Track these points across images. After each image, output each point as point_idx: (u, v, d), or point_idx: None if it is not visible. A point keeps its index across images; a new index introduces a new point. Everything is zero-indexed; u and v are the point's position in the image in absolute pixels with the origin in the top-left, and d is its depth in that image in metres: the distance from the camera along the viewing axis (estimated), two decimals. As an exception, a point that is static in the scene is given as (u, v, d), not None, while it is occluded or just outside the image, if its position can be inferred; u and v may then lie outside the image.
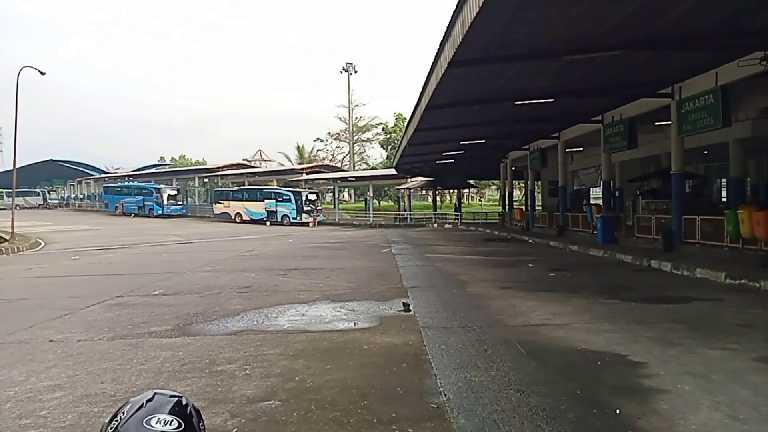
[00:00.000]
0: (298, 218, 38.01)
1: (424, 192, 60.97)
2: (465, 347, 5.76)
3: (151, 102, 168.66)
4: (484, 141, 24.75)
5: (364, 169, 64.14)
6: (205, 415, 1.34)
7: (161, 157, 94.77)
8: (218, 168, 53.13)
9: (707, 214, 14.46)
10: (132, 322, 7.22)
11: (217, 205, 43.29)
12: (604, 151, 19.48)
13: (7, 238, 22.60)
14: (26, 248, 21.00)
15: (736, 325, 6.59)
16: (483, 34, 9.32)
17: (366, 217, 44.74)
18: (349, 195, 74.21)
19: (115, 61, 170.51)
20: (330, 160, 66.32)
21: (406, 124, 24.77)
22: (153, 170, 64.75)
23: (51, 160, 65.13)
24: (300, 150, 68.85)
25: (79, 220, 41.29)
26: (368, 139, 70.71)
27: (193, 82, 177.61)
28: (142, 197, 46.98)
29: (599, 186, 24.31)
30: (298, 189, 42.13)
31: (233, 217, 41.29)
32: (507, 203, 34.34)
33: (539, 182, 33.92)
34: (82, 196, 67.30)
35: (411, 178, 42.29)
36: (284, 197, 39.02)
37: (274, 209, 39.02)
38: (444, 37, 10.34)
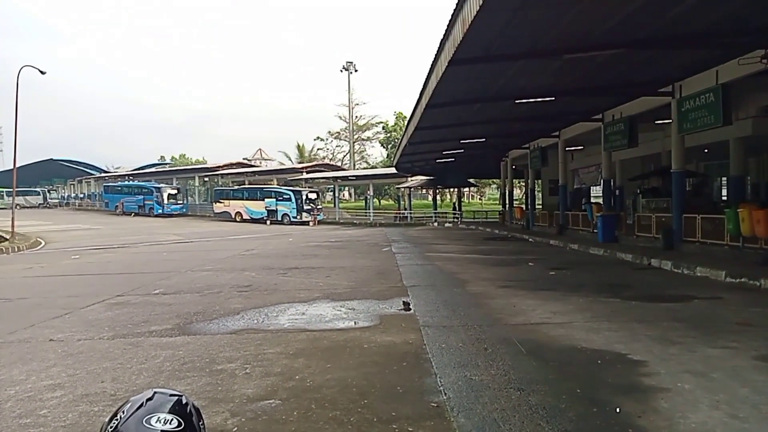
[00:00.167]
0: (299, 217, 38.02)
1: (424, 191, 60.94)
2: (465, 346, 5.76)
3: (151, 102, 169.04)
4: (484, 140, 24.74)
5: (364, 168, 64.15)
6: (205, 414, 1.34)
7: (161, 157, 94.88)
8: (218, 167, 53.17)
9: (708, 212, 14.44)
10: (132, 321, 7.23)
11: (218, 204, 43.30)
12: (605, 149, 19.48)
13: (8, 237, 22.62)
14: (26, 247, 21.02)
15: (736, 324, 6.58)
16: (483, 32, 9.31)
17: (366, 216, 44.75)
18: (350, 194, 74.19)
19: (115, 61, 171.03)
20: (330, 159, 66.37)
21: (406, 122, 24.76)
22: (153, 169, 64.81)
23: (51, 159, 65.17)
24: (300, 149, 68.89)
25: (79, 220, 41.31)
26: (368, 138, 70.79)
27: (193, 82, 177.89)
28: (142, 196, 47.01)
29: (600, 184, 24.30)
30: (298, 188, 42.14)
31: (233, 216, 41.30)
32: (507, 202, 34.34)
33: (539, 181, 33.89)
34: (82, 196, 67.36)
35: (411, 177, 42.30)
36: (284, 196, 39.03)
37: (275, 208, 39.04)
38: (444, 35, 10.33)
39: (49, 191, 70.65)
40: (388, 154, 60.55)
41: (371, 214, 44.68)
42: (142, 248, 20.22)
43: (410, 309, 7.75)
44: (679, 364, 4.99)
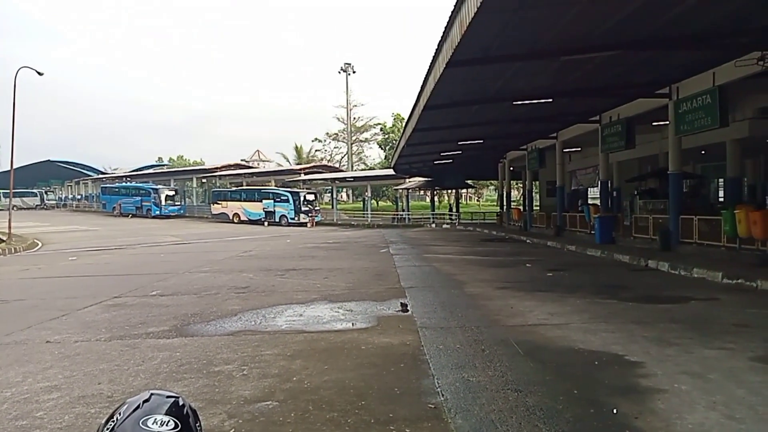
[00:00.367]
0: (296, 218, 37.99)
1: (422, 192, 60.98)
2: (462, 347, 5.76)
3: (150, 102, 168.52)
4: (482, 141, 24.78)
5: (362, 170, 64.17)
6: (202, 415, 1.34)
7: (159, 158, 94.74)
8: (216, 168, 53.11)
9: (704, 214, 14.49)
10: (129, 323, 7.21)
11: (215, 205, 43.26)
12: (602, 151, 19.52)
13: (5, 238, 22.54)
14: (23, 249, 20.96)
15: (732, 325, 6.60)
16: (481, 34, 9.33)
17: (364, 217, 44.74)
18: (347, 195, 74.23)
19: (114, 61, 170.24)
20: (328, 161, 66.37)
21: (404, 124, 24.78)
22: (151, 170, 64.73)
23: (48, 160, 65.00)
24: (298, 150, 68.88)
25: (76, 221, 41.23)
26: (366, 139, 70.85)
27: (193, 82, 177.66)
28: (139, 198, 46.91)
29: (597, 186, 24.34)
30: (296, 189, 42.12)
31: (231, 217, 41.26)
32: (505, 203, 34.38)
33: (537, 182, 34.00)
34: (79, 197, 67.19)
35: (409, 178, 42.31)
36: (282, 197, 39.00)
37: (272, 210, 39.01)
38: (442, 37, 10.34)
39: (46, 192, 70.44)
40: (386, 156, 60.60)
41: (369, 216, 44.66)
42: (139, 249, 20.18)
43: (408, 310, 7.75)
44: (676, 365, 5.00)
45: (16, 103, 22.74)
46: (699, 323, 6.73)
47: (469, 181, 47.89)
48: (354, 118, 67.51)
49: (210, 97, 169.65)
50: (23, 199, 63.62)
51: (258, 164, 65.59)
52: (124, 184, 53.88)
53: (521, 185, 39.02)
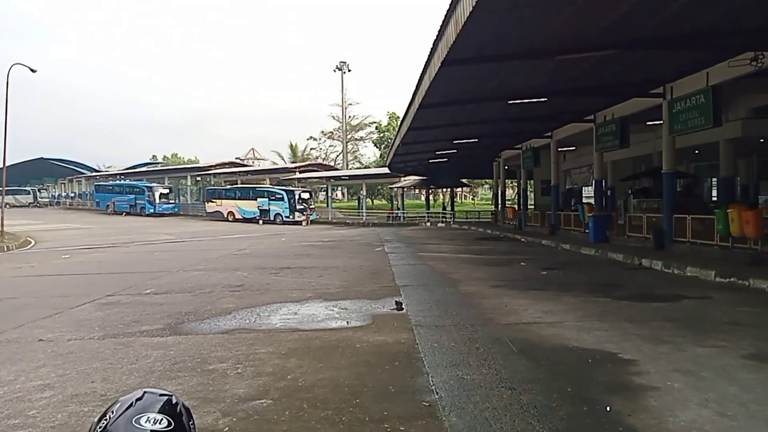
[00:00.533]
0: (291, 217, 37.94)
1: (417, 191, 61.03)
2: (457, 345, 5.78)
3: (149, 102, 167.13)
4: (477, 140, 24.80)
5: (357, 168, 64.12)
6: (196, 414, 1.34)
7: (153, 156, 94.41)
8: (211, 166, 52.97)
9: (698, 213, 14.57)
10: (123, 321, 7.18)
11: (210, 203, 43.14)
12: (597, 150, 19.58)
13: (-3, 236, 22.40)
14: (16, 247, 20.84)
15: (725, 323, 6.65)
16: (476, 33, 9.33)
17: (359, 215, 44.74)
18: (342, 194, 74.16)
19: (114, 61, 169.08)
20: (323, 159, 66.29)
21: (399, 122, 24.79)
22: (145, 169, 64.48)
23: (42, 158, 64.70)
24: (293, 149, 68.72)
25: (69, 219, 41.01)
26: (361, 137, 70.82)
27: (192, 82, 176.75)
28: (133, 196, 46.72)
29: (591, 185, 24.43)
30: (291, 188, 42.07)
31: (226, 215, 41.16)
32: (500, 202, 34.45)
33: (532, 181, 33.99)
34: (73, 195, 66.85)
35: (404, 177, 42.32)
36: (277, 196, 38.94)
37: (267, 208, 38.94)
38: (437, 36, 10.34)
39: (39, 190, 70.07)
40: (381, 154, 60.63)
41: (364, 214, 44.67)
42: (133, 248, 20.10)
43: (402, 309, 7.76)
44: (669, 363, 5.03)
45: (8, 100, 22.62)
46: (692, 321, 6.77)
47: (464, 180, 47.96)
48: (349, 117, 67.54)
49: (209, 96, 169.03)
50: (16, 196, 63.26)
51: (253, 162, 65.38)
52: (117, 182, 53.66)
53: (516, 184, 39.09)
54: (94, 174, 64.91)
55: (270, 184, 45.44)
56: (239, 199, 41.08)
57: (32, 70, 23.74)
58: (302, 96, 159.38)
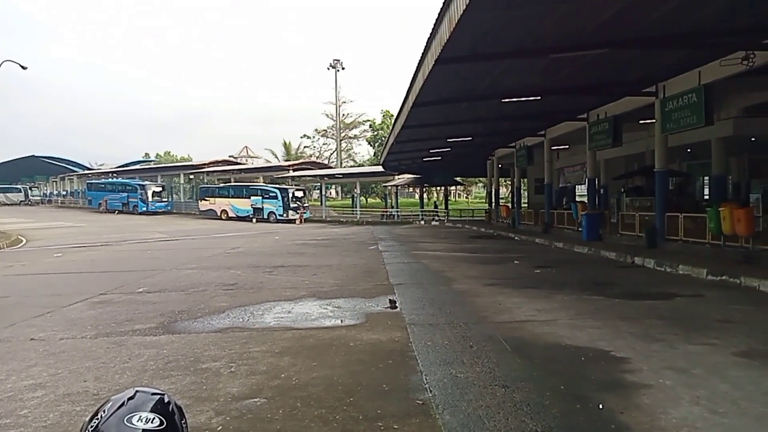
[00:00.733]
0: (285, 215, 37.86)
1: (411, 189, 61.06)
2: (451, 344, 5.79)
3: (142, 100, 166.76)
4: (471, 138, 24.83)
5: (351, 166, 64.08)
6: (189, 413, 1.33)
7: (146, 154, 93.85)
8: (204, 165, 52.73)
9: (690, 211, 14.65)
10: (116, 320, 7.15)
11: (203, 202, 42.98)
12: (590, 148, 19.66)
13: (-12, 235, 22.23)
14: (7, 245, 20.66)
15: (716, 321, 6.70)
16: (470, 31, 9.34)
17: (353, 214, 44.72)
18: (336, 192, 74.09)
19: (108, 59, 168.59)
20: (317, 157, 66.19)
21: (393, 121, 24.76)
22: (138, 167, 64.13)
23: (33, 156, 64.24)
24: (287, 147, 68.58)
25: (61, 217, 40.73)
26: (355, 136, 70.75)
27: (188, 81, 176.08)
28: (126, 194, 46.45)
29: (585, 183, 24.53)
30: (284, 186, 41.95)
31: (219, 214, 41.02)
32: (493, 200, 34.51)
33: (525, 180, 34.16)
34: (65, 193, 66.43)
35: (398, 175, 42.34)
36: (271, 194, 38.83)
37: (261, 206, 38.83)
38: (431, 34, 10.33)
39: (30, 188, 69.51)
40: (375, 153, 60.59)
41: (358, 213, 44.66)
42: (125, 246, 19.99)
43: (396, 307, 7.77)
44: (661, 360, 5.06)
45: (-1, 97, 22.43)
46: (684, 319, 6.82)
47: (457, 178, 48.05)
48: (343, 115, 67.45)
49: (204, 95, 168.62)
50: (7, 194, 62.85)
51: (246, 160, 65.12)
52: (110, 180, 53.33)
53: (510, 182, 39.20)
54: (86, 172, 64.49)
55: (264, 183, 45.31)
56: (233, 197, 40.95)
57: (23, 67, 23.57)
58: (302, 96, 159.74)
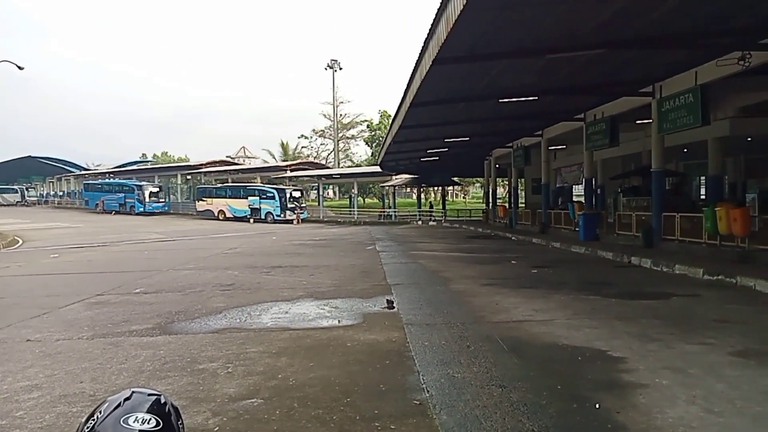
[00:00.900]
0: (282, 215, 37.82)
1: (408, 189, 61.09)
2: (448, 344, 5.79)
3: (140, 100, 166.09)
4: (468, 138, 24.86)
5: (348, 167, 64.04)
6: (186, 413, 1.33)
7: (143, 154, 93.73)
8: (201, 165, 52.65)
9: (686, 211, 14.70)
10: (112, 321, 7.13)
11: (200, 202, 42.92)
12: (587, 149, 19.70)
13: (-16, 235, 22.17)
14: (3, 246, 20.60)
15: (713, 321, 6.71)
16: (467, 31, 9.34)
17: (350, 214, 44.70)
18: (334, 192, 74.08)
19: (106, 58, 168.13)
20: (314, 158, 66.13)
21: (391, 121, 24.76)
22: (135, 167, 63.99)
23: (30, 156, 64.02)
24: (284, 147, 68.53)
25: (58, 218, 40.62)
26: (353, 136, 70.71)
27: (185, 81, 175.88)
28: (123, 194, 46.35)
29: (582, 183, 24.58)
30: (282, 186, 41.92)
31: (216, 214, 40.96)
32: (491, 200, 34.55)
33: (523, 180, 34.16)
34: (61, 194, 66.26)
35: (395, 175, 42.34)
36: (268, 194, 38.79)
37: (258, 206, 38.79)
38: (428, 34, 10.34)
39: (27, 189, 69.30)
40: (372, 153, 60.58)
41: (355, 213, 44.65)
42: (122, 247, 19.95)
43: (394, 307, 7.77)
44: (658, 360, 5.07)
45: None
46: (680, 319, 6.84)
47: (455, 179, 48.08)
48: (341, 115, 67.42)
49: (206, 96, 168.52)
50: (3, 195, 62.65)
51: (243, 161, 65.00)
52: (107, 180, 53.20)
53: (507, 182, 39.23)
54: (83, 172, 64.35)
55: (261, 183, 45.27)
56: (230, 197, 40.89)
57: (19, 68, 23.49)
58: (300, 96, 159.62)
